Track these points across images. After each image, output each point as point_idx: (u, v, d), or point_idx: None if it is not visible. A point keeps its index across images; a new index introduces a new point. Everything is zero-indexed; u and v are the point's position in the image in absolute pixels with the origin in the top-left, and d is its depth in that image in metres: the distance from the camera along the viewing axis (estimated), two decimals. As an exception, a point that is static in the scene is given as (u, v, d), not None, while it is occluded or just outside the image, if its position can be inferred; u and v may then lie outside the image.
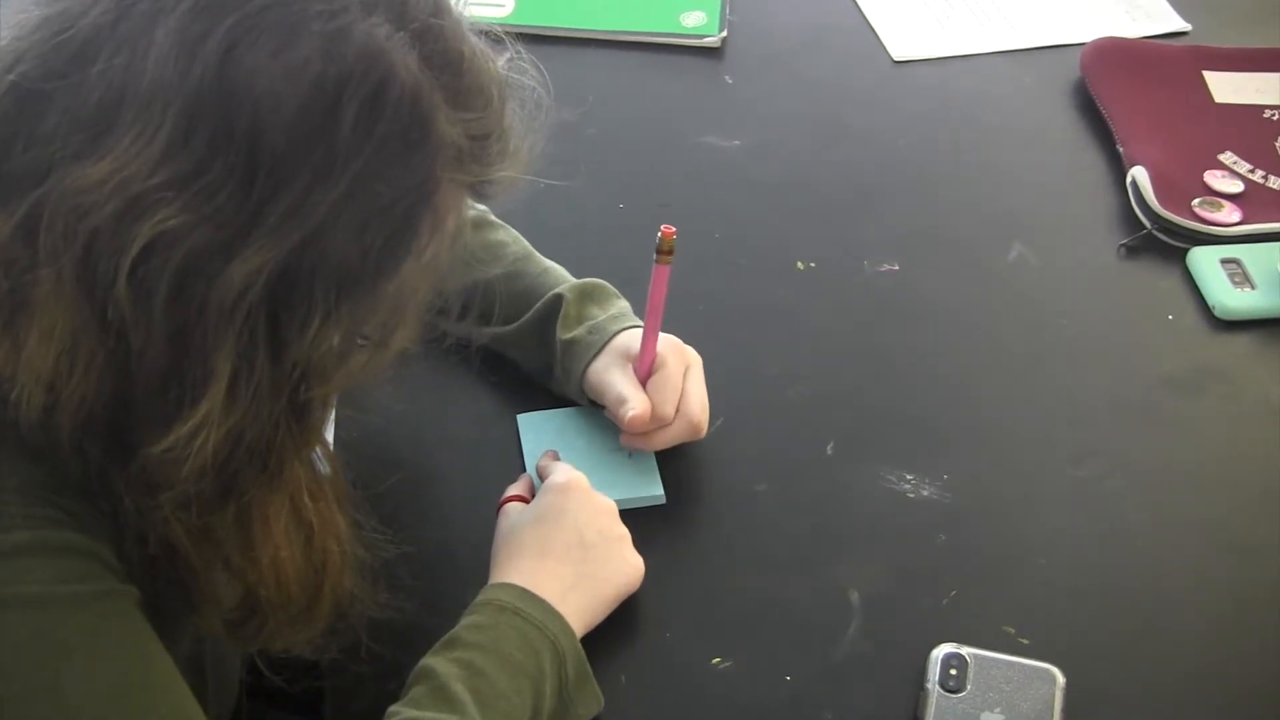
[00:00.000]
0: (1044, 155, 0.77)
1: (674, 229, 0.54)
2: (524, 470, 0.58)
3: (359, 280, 0.37)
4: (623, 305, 0.61)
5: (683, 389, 0.57)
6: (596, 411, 0.60)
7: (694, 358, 0.59)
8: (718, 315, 0.67)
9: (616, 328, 0.58)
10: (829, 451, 0.61)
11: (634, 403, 0.55)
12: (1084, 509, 0.58)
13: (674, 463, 0.59)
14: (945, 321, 0.68)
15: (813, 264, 0.70)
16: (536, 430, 0.60)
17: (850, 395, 0.64)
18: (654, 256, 0.55)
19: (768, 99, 0.79)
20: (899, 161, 0.77)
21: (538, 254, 0.63)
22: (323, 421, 0.40)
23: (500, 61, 0.41)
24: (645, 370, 0.57)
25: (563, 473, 0.55)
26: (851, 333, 0.67)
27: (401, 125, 0.36)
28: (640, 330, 0.57)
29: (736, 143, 0.76)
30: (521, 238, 0.63)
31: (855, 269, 0.70)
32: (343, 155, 0.35)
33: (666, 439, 0.57)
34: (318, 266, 0.36)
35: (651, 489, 0.58)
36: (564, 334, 0.59)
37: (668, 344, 0.58)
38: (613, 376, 0.57)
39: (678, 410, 0.56)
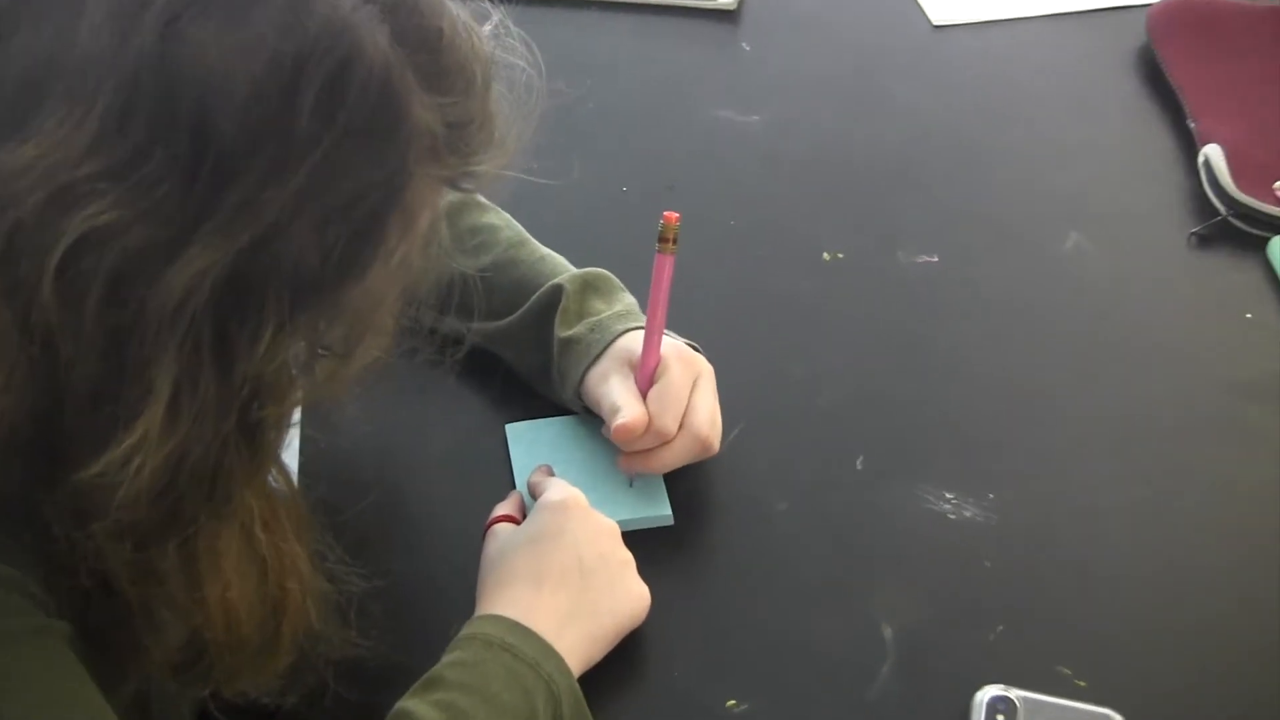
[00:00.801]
0: (1104, 131, 0.76)
1: (677, 215, 0.54)
2: (513, 487, 0.58)
3: (318, 286, 0.36)
4: (628, 301, 0.60)
5: (689, 401, 0.56)
6: (595, 420, 0.59)
7: (704, 367, 0.58)
8: (733, 313, 0.67)
9: (621, 327, 0.58)
10: (859, 466, 0.60)
11: (624, 410, 0.54)
12: (1150, 533, 0.57)
13: (683, 479, 0.58)
14: (991, 320, 0.67)
15: (841, 254, 0.69)
16: (527, 442, 0.59)
17: (883, 403, 0.63)
18: (656, 246, 0.54)
19: (790, 68, 0.79)
20: (938, 138, 0.76)
21: (533, 240, 0.62)
22: (278, 443, 0.39)
23: (484, 31, 0.40)
24: (647, 378, 0.56)
25: (558, 490, 0.54)
26: (885, 332, 0.66)
27: (368, 111, 0.35)
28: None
29: (755, 118, 0.76)
30: (514, 221, 0.63)
31: (889, 260, 0.70)
32: (301, 145, 0.34)
33: (670, 458, 0.56)
34: (271, 270, 0.35)
35: (658, 508, 0.57)
36: (563, 330, 0.58)
37: (673, 350, 0.57)
38: (611, 384, 0.56)
39: (681, 425, 0.55)
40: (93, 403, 0.35)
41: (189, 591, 0.38)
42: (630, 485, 0.58)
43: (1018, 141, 0.76)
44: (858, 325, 0.66)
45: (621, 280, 0.61)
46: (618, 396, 0.55)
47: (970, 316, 0.67)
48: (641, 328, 0.58)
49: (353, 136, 0.34)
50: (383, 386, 0.43)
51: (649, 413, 0.55)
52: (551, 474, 0.57)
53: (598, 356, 0.57)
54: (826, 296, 0.68)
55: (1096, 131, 0.76)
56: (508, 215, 0.62)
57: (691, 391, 0.56)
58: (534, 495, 0.56)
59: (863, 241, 0.70)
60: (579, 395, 0.58)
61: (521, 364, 0.61)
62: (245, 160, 0.33)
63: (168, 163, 0.33)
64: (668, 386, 0.56)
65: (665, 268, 0.55)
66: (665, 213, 0.54)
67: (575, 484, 0.55)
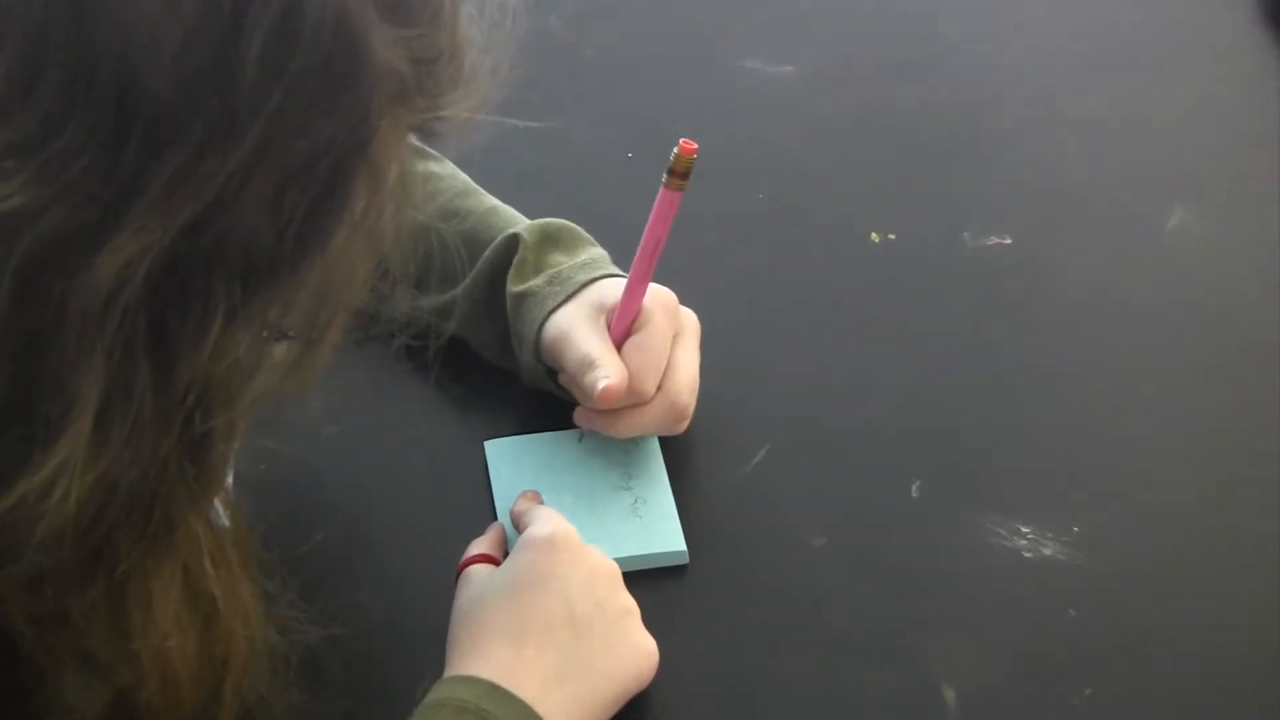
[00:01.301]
0: (1214, 86, 0.75)
1: (696, 145, 0.53)
2: (493, 517, 0.58)
3: (274, 265, 0.36)
4: (597, 252, 0.60)
5: (670, 359, 0.56)
6: (592, 438, 0.59)
7: (689, 320, 0.58)
8: (761, 306, 0.66)
9: (587, 276, 0.58)
10: (914, 493, 0.60)
11: (606, 368, 0.55)
12: (1275, 578, 0.56)
13: (700, 508, 0.58)
14: (1075, 315, 0.66)
15: (892, 236, 0.69)
16: (511, 462, 0.59)
17: (944, 416, 0.62)
18: (663, 177, 0.54)
19: (831, 9, 0.78)
20: (1011, 93, 0.75)
21: (481, 190, 0.62)
22: (226, 459, 0.39)
23: None
24: (625, 326, 0.56)
25: (546, 522, 0.53)
26: (946, 330, 0.65)
27: (324, 54, 0.34)
28: (621, 281, 0.56)
29: (789, 68, 0.75)
30: (459, 171, 0.62)
31: (952, 242, 0.69)
32: (247, 100, 0.33)
33: (639, 423, 0.57)
34: (218, 251, 0.35)
35: (669, 543, 0.57)
36: (516, 285, 0.58)
37: (656, 299, 0.57)
38: (579, 333, 0.56)
39: (659, 386, 0.56)
40: (3, 422, 0.34)
41: (116, 645, 0.37)
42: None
43: (1107, 98, 0.74)
44: (913, 321, 0.66)
45: (623, 267, 0.60)
46: (590, 347, 0.55)
47: (1049, 311, 0.66)
48: (615, 275, 0.58)
49: (308, 86, 0.34)
50: (340, 399, 0.43)
51: (627, 368, 0.55)
52: (539, 502, 0.57)
53: (560, 304, 0.57)
54: (875, 287, 0.67)
55: (1204, 86, 0.75)
56: (451, 164, 0.62)
57: (673, 349, 0.57)
58: (518, 528, 0.55)
59: (920, 220, 0.69)
60: (539, 356, 0.58)
61: (480, 339, 0.60)
62: (181, 123, 0.33)
63: (86, 132, 0.33)
64: (650, 338, 0.56)
65: (669, 205, 0.54)
66: (683, 141, 0.53)
67: (568, 514, 0.54)
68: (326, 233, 0.36)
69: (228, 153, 0.33)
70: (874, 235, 0.68)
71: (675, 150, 0.53)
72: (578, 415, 0.58)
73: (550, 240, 0.60)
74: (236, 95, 0.33)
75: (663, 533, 0.57)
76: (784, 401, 0.62)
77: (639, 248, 0.56)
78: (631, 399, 0.56)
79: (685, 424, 0.58)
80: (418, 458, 0.60)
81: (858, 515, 0.59)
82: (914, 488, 0.60)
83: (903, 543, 0.58)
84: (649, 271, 0.56)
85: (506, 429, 0.60)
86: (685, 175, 0.54)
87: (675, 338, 0.57)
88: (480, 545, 0.55)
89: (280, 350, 0.39)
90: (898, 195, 0.70)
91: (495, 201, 0.62)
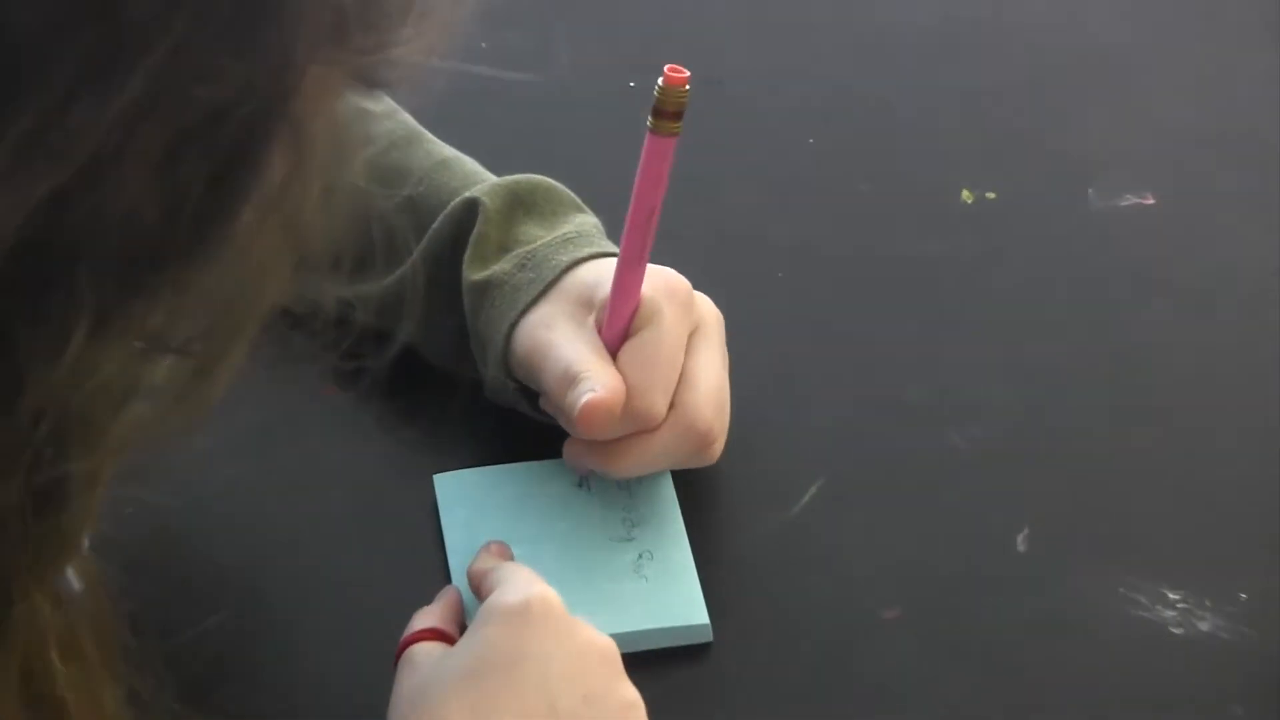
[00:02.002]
0: None
1: (686, 74, 0.53)
2: (445, 580, 0.57)
3: (159, 256, 0.36)
4: (583, 221, 0.60)
5: (685, 366, 0.56)
6: (596, 481, 0.59)
7: (708, 312, 0.58)
8: (809, 292, 0.66)
9: (570, 256, 0.58)
10: (1020, 546, 0.59)
11: (592, 378, 0.55)
12: None
13: (728, 566, 0.58)
14: (1248, 302, 0.66)
15: (992, 194, 0.68)
16: (468, 503, 0.59)
17: (1062, 440, 0.62)
18: (647, 121, 0.53)
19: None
20: (1157, 11, 0.77)
21: (430, 136, 0.62)
22: (86, 516, 0.39)
23: None
24: (620, 326, 0.56)
25: (518, 585, 0.53)
26: (1067, 322, 0.65)
27: None
28: (613, 262, 0.57)
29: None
30: (401, 110, 0.63)
31: (1074, 202, 0.68)
32: (130, 36, 0.33)
33: (648, 455, 0.57)
34: (85, 235, 0.34)
35: (686, 614, 0.56)
36: (476, 270, 0.59)
37: (662, 284, 0.57)
38: (558, 336, 0.56)
39: (672, 404, 0.56)
40: None
41: None
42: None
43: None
44: (1018, 310, 0.65)
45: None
46: (574, 355, 0.56)
47: (1210, 297, 0.66)
48: (605, 255, 0.58)
49: (212, 15, 0.34)
50: (235, 420, 0.43)
51: (625, 380, 0.55)
52: (508, 558, 0.56)
53: (535, 300, 0.57)
54: (966, 263, 0.67)
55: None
56: (390, 100, 0.62)
57: (688, 352, 0.57)
58: (478, 593, 0.54)
59: (1029, 173, 0.69)
60: (509, 372, 0.58)
61: (428, 341, 0.61)
62: (42, 61, 0.33)
63: None
64: (654, 340, 0.56)
65: (659, 157, 0.54)
66: (668, 68, 0.53)
67: (548, 574, 0.53)
68: (231, 214, 0.36)
69: (104, 102, 0.33)
70: (966, 193, 0.68)
71: (659, 82, 0.53)
72: (568, 451, 0.57)
73: (521, 206, 0.60)
74: (115, 29, 0.33)
75: (678, 600, 0.56)
76: (841, 421, 0.62)
77: (627, 218, 0.55)
78: (634, 423, 0.55)
79: (713, 452, 0.57)
80: (342, 504, 0.60)
81: (942, 576, 0.58)
82: (1020, 538, 0.59)
83: (1004, 614, 0.57)
84: (644, 249, 0.55)
85: (463, 458, 0.60)
86: (677, 116, 0.53)
87: (691, 337, 0.57)
88: (428, 617, 0.54)
89: (164, 371, 0.38)
90: (998, 139, 0.70)
91: (448, 151, 0.62)
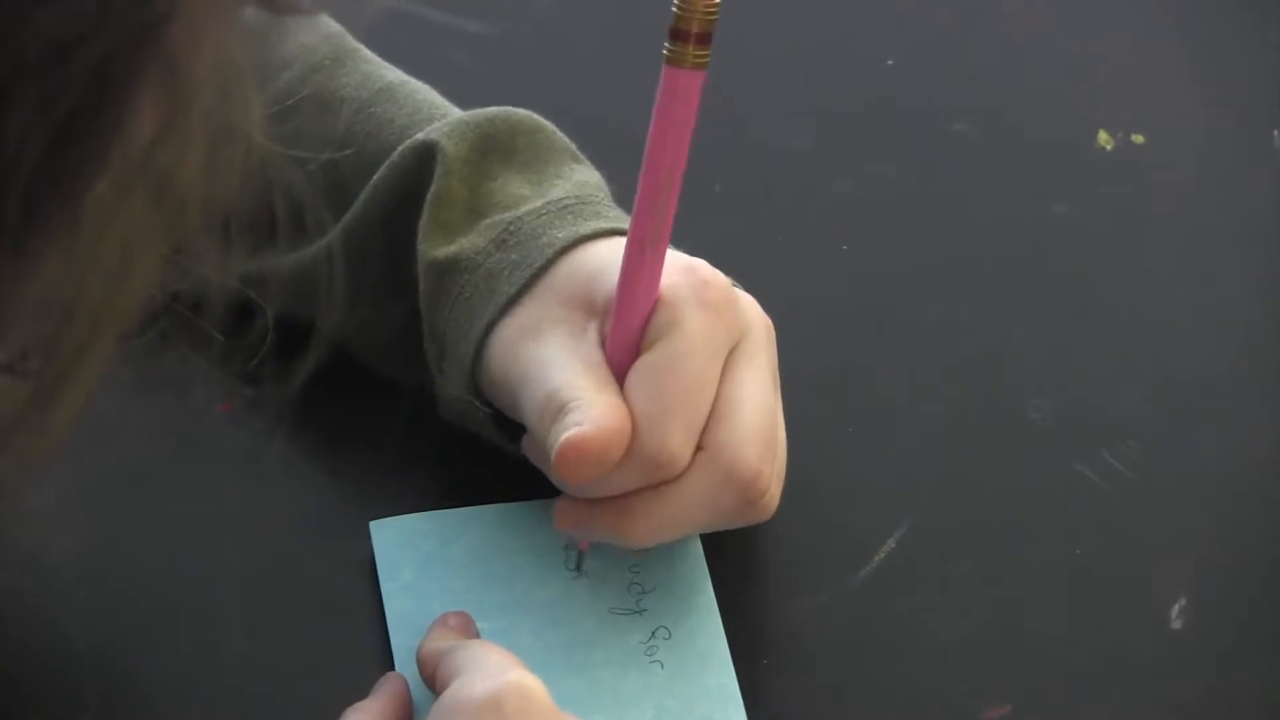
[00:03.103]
0: None
1: None
2: (387, 664, 0.58)
3: None
4: (584, 178, 0.61)
5: (719, 392, 0.57)
6: (593, 557, 0.60)
7: (754, 320, 0.58)
8: (894, 268, 0.68)
9: (566, 233, 0.59)
10: (1175, 621, 0.60)
11: (582, 407, 0.55)
12: None
13: (775, 646, 0.59)
14: None
15: (1138, 136, 0.71)
16: (415, 559, 0.60)
17: (1235, 479, 0.64)
18: (664, 48, 0.54)
19: None
20: None
21: (365, 52, 0.64)
22: None
23: None
24: (630, 337, 0.57)
25: (485, 671, 0.54)
26: (1242, 312, 0.68)
27: None
28: (622, 242, 0.57)
29: None
30: (326, 19, 0.64)
31: (1253, 145, 0.71)
32: None
33: (672, 517, 0.57)
34: None
35: (715, 713, 0.57)
36: (436, 245, 0.60)
37: (685, 280, 0.57)
38: (547, 351, 0.57)
39: (702, 444, 0.57)
40: None
41: None
42: (653, 659, 0.58)
43: None
44: (1178, 296, 0.67)
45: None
46: (562, 377, 0.56)
47: None
48: (614, 232, 0.59)
49: None
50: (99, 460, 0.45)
51: (632, 413, 0.56)
52: (470, 632, 0.58)
53: (518, 294, 0.58)
54: (1105, 231, 0.69)
55: None
56: (329, 20, 0.64)
57: (725, 373, 0.57)
58: (432, 683, 0.56)
59: (1189, 109, 0.71)
60: (476, 386, 0.59)
61: (364, 337, 0.62)
62: None
63: None
64: (675, 356, 0.56)
65: (680, 98, 0.54)
66: None
67: (527, 656, 0.55)
68: (80, 183, 0.37)
69: None
70: (1103, 136, 0.70)
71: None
72: (561, 514, 0.58)
73: (497, 150, 0.61)
74: None
75: (704, 695, 0.58)
76: (929, 448, 0.63)
77: (639, 186, 0.55)
78: (647, 471, 0.56)
79: (763, 506, 0.57)
80: (243, 564, 0.60)
81: (1067, 662, 0.59)
82: (1175, 611, 0.60)
83: (1152, 713, 0.59)
84: (662, 228, 0.56)
85: (409, 499, 0.61)
86: (703, 39, 0.54)
87: (731, 353, 0.58)
88: (363, 718, 0.56)
89: None
90: (1147, 65, 0.72)
91: (393, 75, 0.64)
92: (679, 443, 0.56)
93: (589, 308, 0.58)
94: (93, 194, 0.38)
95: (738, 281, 0.59)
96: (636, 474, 0.56)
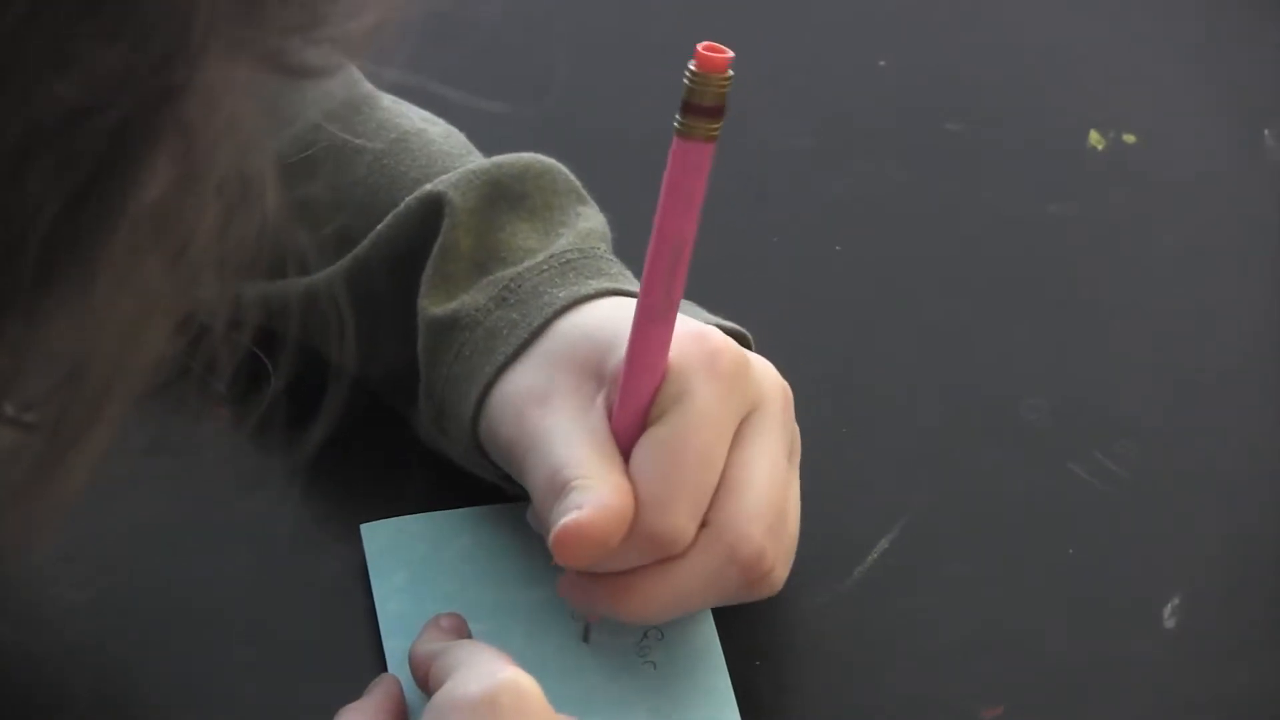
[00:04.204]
0: None
1: (728, 55, 0.53)
2: (380, 666, 0.58)
3: (4, 293, 0.37)
4: (587, 224, 0.61)
5: (728, 464, 0.56)
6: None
7: (769, 388, 0.58)
8: (888, 266, 0.68)
9: (568, 292, 0.59)
10: (1168, 620, 0.61)
11: (583, 489, 0.54)
12: None
13: (770, 646, 0.59)
14: None
15: (1130, 137, 0.70)
16: (407, 561, 0.60)
17: (1230, 478, 0.64)
18: (675, 121, 0.54)
19: None
20: None
21: (383, 97, 0.64)
22: None
23: None
24: (638, 411, 0.57)
25: (478, 671, 0.54)
26: (1237, 310, 0.69)
27: None
28: (632, 304, 0.57)
29: None
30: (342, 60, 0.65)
31: (1242, 145, 0.73)
32: None
33: (673, 594, 0.57)
34: None
35: (709, 713, 0.58)
36: (436, 303, 0.60)
37: (696, 348, 0.57)
38: (553, 422, 0.57)
39: (706, 520, 0.56)
40: None
41: None
42: (646, 660, 0.58)
43: None
44: (1174, 294, 0.67)
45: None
46: (567, 453, 0.56)
47: None
48: (615, 292, 0.59)
49: None
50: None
51: (635, 492, 0.55)
52: (462, 633, 0.58)
53: (516, 355, 0.58)
54: (1096, 230, 0.69)
55: None
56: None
57: (735, 445, 0.57)
58: (425, 684, 0.56)
59: (1181, 109, 0.72)
60: (477, 446, 0.59)
61: (372, 378, 0.62)
62: None
63: None
64: (681, 432, 0.56)
65: (691, 168, 0.54)
66: (700, 48, 0.53)
67: (520, 656, 0.55)
68: (96, 243, 0.38)
69: None
70: (1094, 136, 0.70)
71: (691, 66, 0.53)
72: (562, 585, 0.58)
73: (504, 199, 0.61)
74: None
75: (698, 696, 0.58)
76: (924, 447, 0.63)
77: (647, 257, 0.54)
78: (650, 549, 0.55)
79: (768, 584, 0.57)
80: (234, 567, 0.60)
81: (1061, 662, 0.59)
82: (1168, 610, 0.60)
83: (1146, 714, 0.59)
84: (671, 300, 0.55)
85: (400, 501, 0.61)
86: (716, 113, 0.53)
87: (743, 424, 0.57)
88: (358, 716, 0.56)
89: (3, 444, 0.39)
90: (1139, 66, 0.71)
91: (410, 122, 0.63)
92: (683, 521, 0.55)
93: (599, 376, 0.57)
94: (107, 256, 0.38)
95: (753, 340, 0.60)
96: (639, 551, 0.55)
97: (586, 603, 0.57)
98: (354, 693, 0.57)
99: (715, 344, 0.57)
